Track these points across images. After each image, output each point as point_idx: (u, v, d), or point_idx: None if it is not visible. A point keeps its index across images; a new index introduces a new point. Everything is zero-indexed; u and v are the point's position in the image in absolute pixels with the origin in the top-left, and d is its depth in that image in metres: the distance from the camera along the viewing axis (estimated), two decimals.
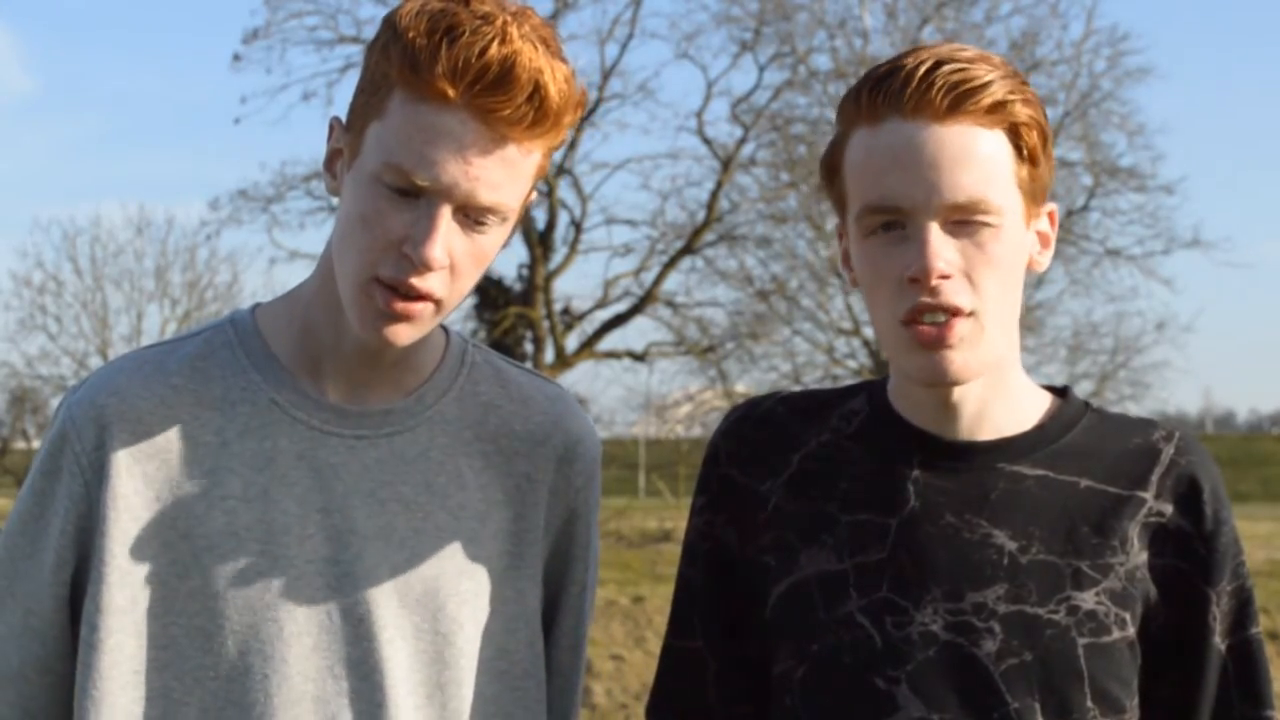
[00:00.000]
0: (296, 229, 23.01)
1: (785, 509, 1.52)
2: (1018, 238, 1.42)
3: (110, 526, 1.46)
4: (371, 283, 1.40)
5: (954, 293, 1.38)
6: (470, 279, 1.43)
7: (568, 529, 1.60)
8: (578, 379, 23.08)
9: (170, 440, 1.48)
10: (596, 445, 1.63)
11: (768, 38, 21.19)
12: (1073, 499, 1.46)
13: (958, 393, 1.45)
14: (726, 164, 21.37)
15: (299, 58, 54.33)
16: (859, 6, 20.77)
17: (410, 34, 1.36)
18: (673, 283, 22.37)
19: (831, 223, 20.91)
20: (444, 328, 1.61)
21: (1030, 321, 21.15)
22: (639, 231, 28.51)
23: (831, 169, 1.47)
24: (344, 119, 1.45)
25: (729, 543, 1.55)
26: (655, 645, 12.21)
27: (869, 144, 1.41)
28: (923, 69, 1.38)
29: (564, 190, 22.46)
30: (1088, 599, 1.42)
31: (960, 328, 1.39)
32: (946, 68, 1.38)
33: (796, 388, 22.39)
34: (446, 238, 1.39)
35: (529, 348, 22.57)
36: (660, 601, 13.46)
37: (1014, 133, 1.40)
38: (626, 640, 12.33)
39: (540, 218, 22.33)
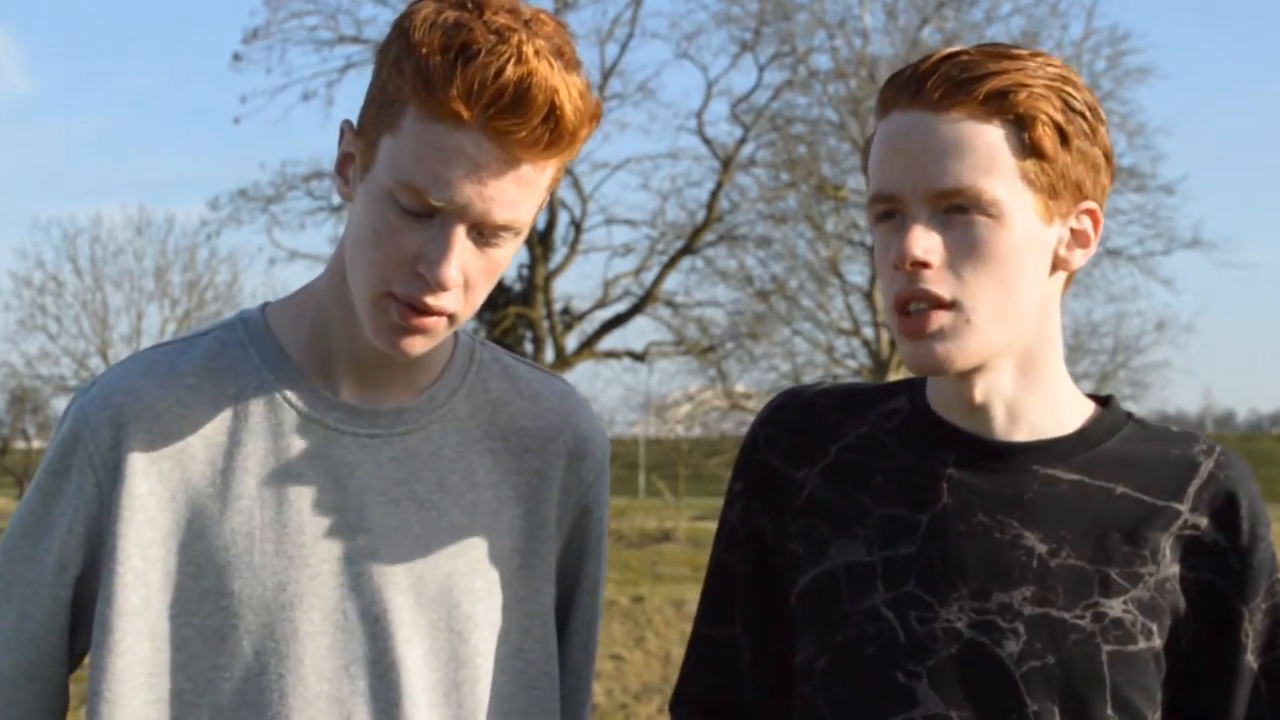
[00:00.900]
0: (296, 229, 23.05)
1: (819, 498, 1.51)
2: (1023, 232, 1.39)
3: (124, 527, 1.45)
4: (385, 297, 1.40)
5: (932, 282, 1.38)
6: (484, 292, 1.43)
7: (579, 525, 1.61)
8: (578, 379, 23.07)
9: (185, 440, 1.47)
10: (605, 441, 1.63)
11: (768, 38, 21.20)
12: (1107, 505, 1.44)
13: (980, 390, 1.44)
14: (726, 164, 21.37)
15: (299, 58, 54.32)
16: (859, 6, 20.77)
17: (424, 50, 1.34)
18: (673, 283, 22.38)
19: (832, 223, 20.94)
20: None
21: None
22: (639, 231, 28.53)
23: (866, 156, 1.48)
24: (354, 123, 1.44)
25: (764, 528, 1.55)
26: (655, 645, 12.21)
27: (880, 134, 1.43)
28: (932, 62, 1.39)
29: (564, 190, 22.47)
30: (1115, 606, 1.41)
31: (938, 319, 1.38)
32: (954, 61, 1.39)
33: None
34: (461, 257, 1.38)
35: (529, 348, 22.57)
36: (660, 601, 13.46)
37: (1017, 125, 1.38)
38: (626, 640, 12.33)
39: (540, 218, 22.29)
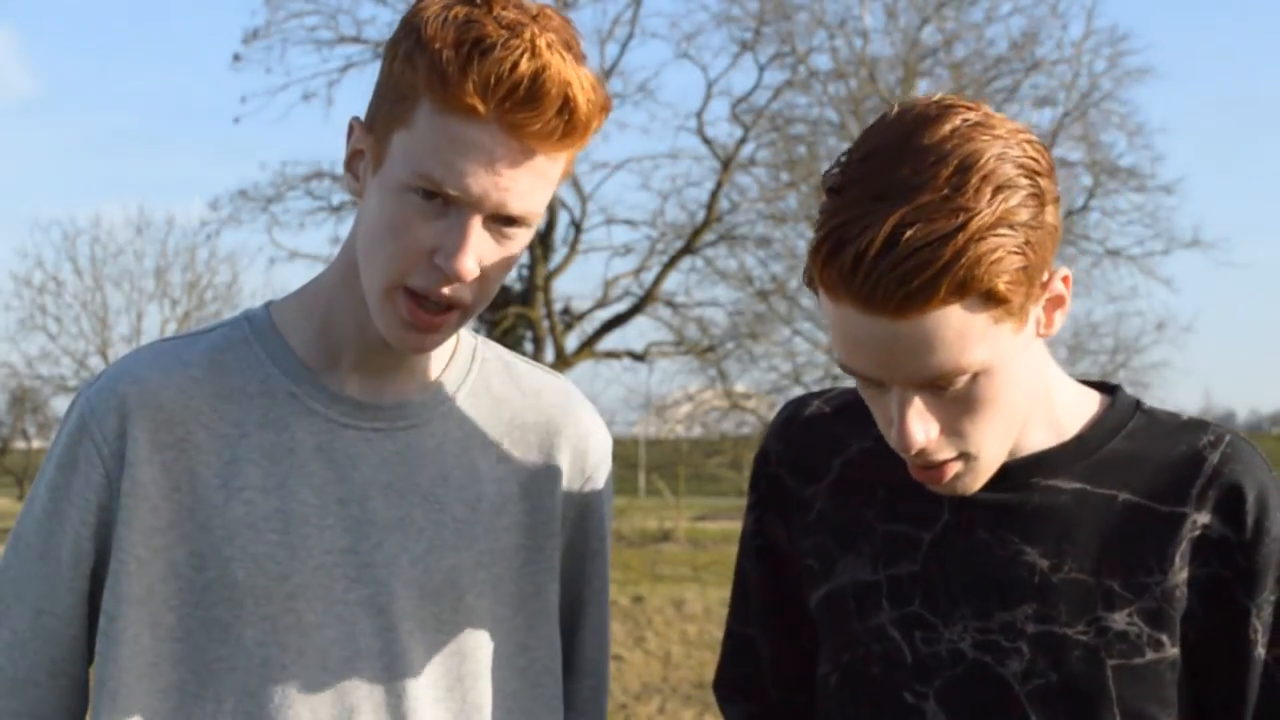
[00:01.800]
0: (296, 229, 23.05)
1: (827, 514, 1.52)
2: (1011, 356, 1.34)
3: (129, 515, 1.45)
4: (396, 290, 1.41)
5: (939, 451, 1.35)
6: (497, 283, 1.44)
7: (582, 523, 1.61)
8: (578, 379, 23.08)
9: (189, 431, 1.48)
10: (607, 438, 1.64)
11: (768, 38, 21.20)
12: (1109, 515, 1.42)
13: None
14: (726, 164, 21.37)
15: (299, 58, 54.35)
16: (859, 6, 20.77)
17: (437, 44, 1.36)
18: (673, 283, 22.38)
19: None
20: None
21: None
22: (639, 231, 28.54)
23: (815, 292, 1.36)
24: (364, 119, 1.45)
25: (779, 538, 1.57)
26: (655, 645, 12.21)
27: (832, 314, 1.32)
28: (874, 251, 1.24)
29: (564, 190, 22.45)
30: (1118, 620, 1.39)
31: (953, 467, 1.37)
32: (899, 249, 1.23)
33: (797, 388, 22.37)
34: (477, 248, 1.39)
35: (529, 348, 22.56)
36: (660, 601, 13.46)
37: (987, 295, 1.28)
38: (626, 640, 12.33)
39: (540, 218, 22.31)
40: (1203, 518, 1.41)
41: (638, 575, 15.93)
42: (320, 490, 1.48)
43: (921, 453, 1.35)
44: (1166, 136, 39.36)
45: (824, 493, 1.53)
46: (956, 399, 1.33)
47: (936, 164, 1.26)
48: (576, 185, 22.39)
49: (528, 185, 1.39)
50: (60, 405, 31.39)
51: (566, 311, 22.99)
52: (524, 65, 1.34)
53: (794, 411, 1.59)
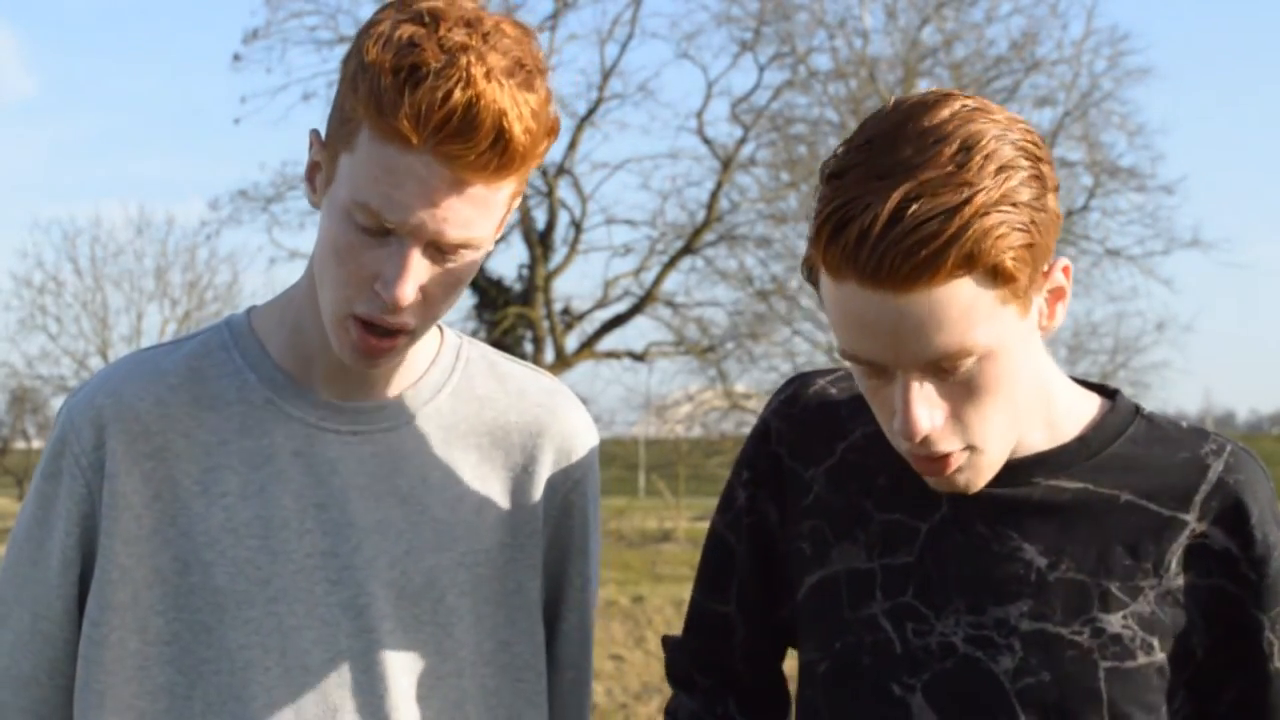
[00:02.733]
0: (296, 229, 23.03)
1: (825, 499, 1.49)
2: (1012, 343, 1.32)
3: (111, 525, 1.47)
4: (348, 318, 1.42)
5: (943, 440, 1.33)
6: (446, 304, 1.45)
7: (565, 522, 1.61)
8: (578, 379, 23.09)
9: (168, 439, 1.49)
10: (593, 438, 1.64)
11: (768, 38, 21.20)
12: (1111, 515, 1.40)
13: None
14: (726, 164, 21.38)
15: (299, 58, 54.34)
16: (859, 6, 20.77)
17: (375, 69, 1.35)
18: (673, 283, 22.42)
19: None
20: (438, 325, 1.62)
21: None
22: (639, 231, 28.53)
23: (813, 279, 1.36)
24: (320, 132, 1.46)
25: (771, 518, 1.54)
26: (655, 645, 12.20)
27: (835, 294, 1.30)
28: (879, 225, 1.23)
29: (564, 190, 22.49)
30: (1114, 622, 1.38)
31: (956, 459, 1.35)
32: (905, 222, 1.23)
33: None
34: (417, 275, 1.39)
35: (529, 348, 22.56)
36: (660, 601, 13.46)
37: (992, 271, 1.27)
38: (626, 640, 12.33)
39: (540, 218, 22.33)
40: (1202, 526, 1.39)
41: (638, 575, 15.92)
42: (299, 495, 1.49)
43: (925, 442, 1.33)
44: (1166, 136, 39.38)
45: (822, 476, 1.50)
46: (961, 385, 1.31)
47: (938, 143, 1.26)
48: (576, 185, 22.41)
49: (467, 214, 1.38)
50: (60, 405, 31.35)
51: (566, 311, 22.99)
52: (456, 96, 1.33)
53: (798, 389, 1.55)
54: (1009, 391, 1.33)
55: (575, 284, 77.87)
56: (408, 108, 1.33)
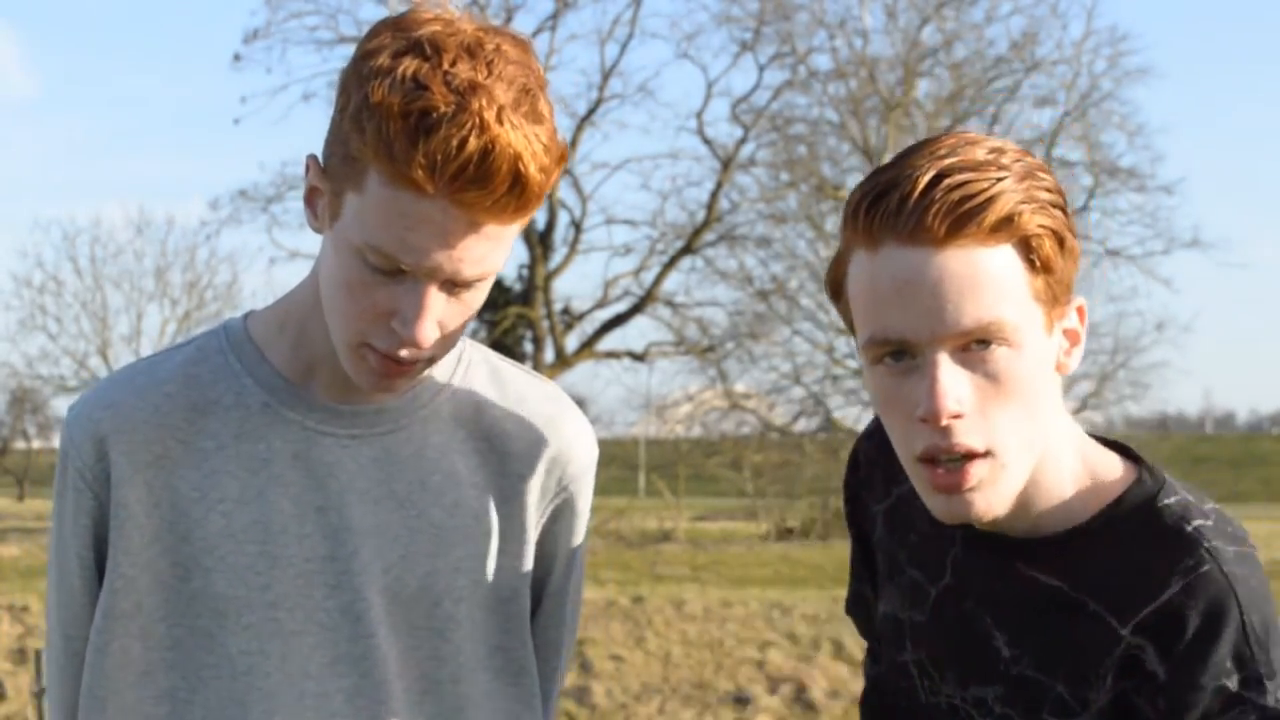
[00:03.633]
0: (296, 229, 23.06)
1: (882, 538, 1.54)
2: (1039, 352, 1.31)
3: (116, 536, 1.49)
4: (363, 347, 1.42)
5: (966, 433, 1.29)
6: (460, 332, 1.44)
7: (552, 526, 1.60)
8: (578, 379, 23.10)
9: (167, 447, 1.50)
10: (591, 446, 1.63)
11: (768, 38, 21.23)
12: (1075, 622, 1.36)
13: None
14: (726, 164, 21.39)
15: (299, 58, 54.37)
16: (859, 6, 20.79)
17: (383, 112, 1.32)
18: (673, 283, 22.45)
19: (832, 223, 20.91)
20: None
21: None
22: (639, 231, 28.56)
23: (835, 286, 1.36)
24: (320, 159, 1.43)
25: (864, 531, 1.60)
26: (655, 645, 12.21)
27: (869, 270, 1.30)
28: (921, 185, 1.26)
29: (564, 190, 22.47)
30: None
31: (976, 470, 1.30)
32: (946, 184, 1.26)
33: (797, 388, 22.32)
34: (434, 313, 1.39)
35: (529, 348, 22.57)
36: (660, 601, 13.46)
37: (1024, 245, 1.28)
38: (627, 640, 12.33)
39: (540, 218, 22.34)
40: (1136, 639, 1.32)
41: (638, 575, 15.92)
42: (298, 499, 1.49)
43: (948, 431, 1.28)
44: (1166, 136, 39.38)
45: (881, 515, 1.54)
46: (988, 379, 1.28)
47: (970, 146, 1.30)
48: (576, 185, 22.41)
49: (483, 252, 1.37)
50: (60, 405, 31.36)
51: (566, 311, 23.00)
52: (471, 144, 1.30)
53: (877, 423, 1.56)
54: (1030, 402, 1.31)
55: (575, 284, 77.96)
56: (422, 157, 1.31)
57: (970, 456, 1.29)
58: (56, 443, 1.60)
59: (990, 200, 1.26)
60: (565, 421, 1.60)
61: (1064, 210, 1.32)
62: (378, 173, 1.33)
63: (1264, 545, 16.92)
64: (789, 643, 12.10)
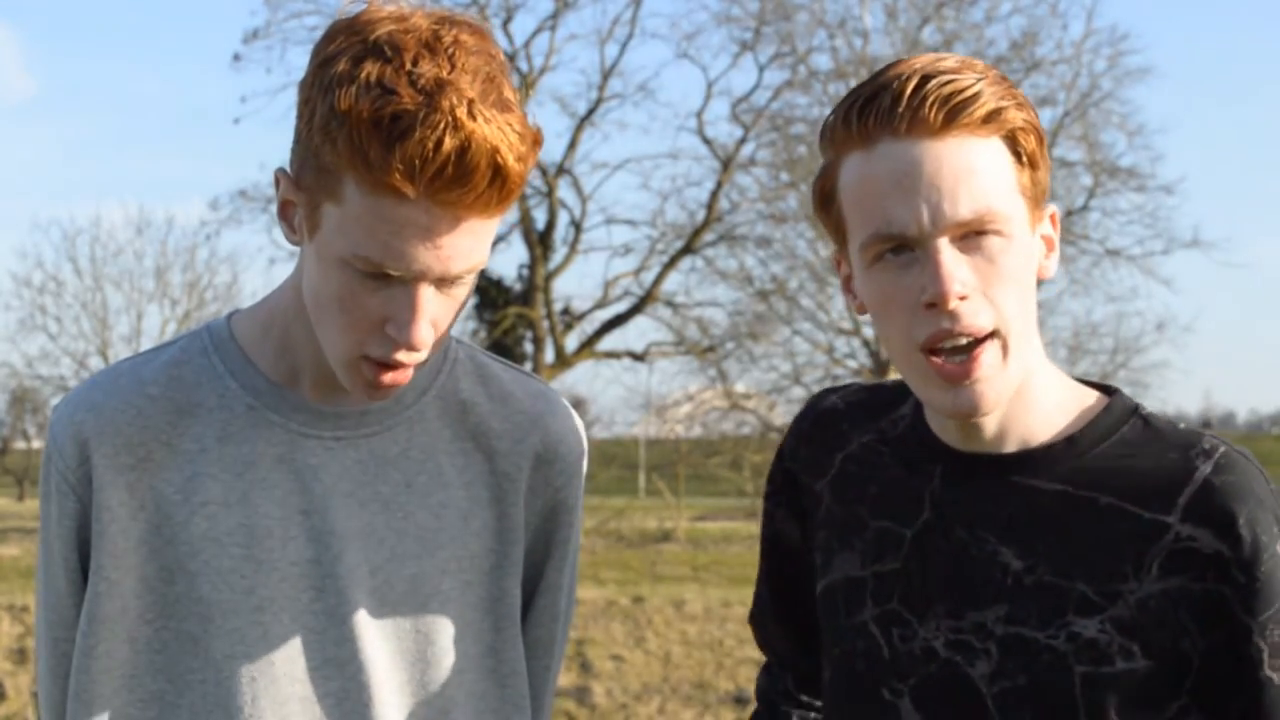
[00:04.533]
0: None
1: (831, 510, 1.53)
2: (1028, 246, 1.37)
3: (99, 539, 1.48)
4: (359, 360, 1.41)
5: (974, 314, 1.33)
6: (451, 326, 1.44)
7: (545, 526, 1.60)
8: (578, 379, 23.09)
9: (150, 449, 1.49)
10: (579, 444, 1.61)
11: (768, 38, 21.22)
12: (1088, 518, 1.38)
13: (993, 417, 1.41)
14: (726, 164, 21.38)
15: (299, 58, 54.21)
16: (859, 6, 20.78)
17: (353, 120, 1.30)
18: (673, 283, 22.41)
19: None
20: None
21: None
22: (639, 231, 28.56)
23: (825, 196, 1.40)
24: (289, 172, 1.41)
25: (789, 533, 1.59)
26: (655, 645, 12.21)
27: (865, 169, 1.35)
28: (911, 84, 1.33)
29: (564, 190, 22.50)
30: (1089, 626, 1.36)
31: (986, 357, 1.34)
32: (935, 80, 1.33)
33: (797, 388, 22.29)
34: (427, 313, 1.38)
35: (529, 348, 22.57)
36: (660, 601, 13.46)
37: (1011, 139, 1.35)
38: (626, 640, 12.33)
39: (540, 218, 22.34)
40: (1187, 529, 1.35)
41: (638, 575, 15.93)
42: (283, 502, 1.48)
43: (956, 314, 1.32)
44: (1166, 136, 39.38)
45: (828, 488, 1.53)
46: (986, 262, 1.33)
47: (942, 59, 1.37)
48: (576, 185, 22.41)
49: (469, 246, 1.36)
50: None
51: (566, 311, 22.99)
52: (448, 143, 1.29)
53: (813, 405, 1.60)
54: (1024, 289, 1.36)
55: (575, 284, 77.92)
56: (399, 162, 1.29)
57: (977, 342, 1.33)
58: None
59: (978, 94, 1.33)
60: (552, 419, 1.59)
61: (1037, 118, 1.39)
62: (355, 182, 1.32)
63: None
64: None
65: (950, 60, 1.36)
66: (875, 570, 1.46)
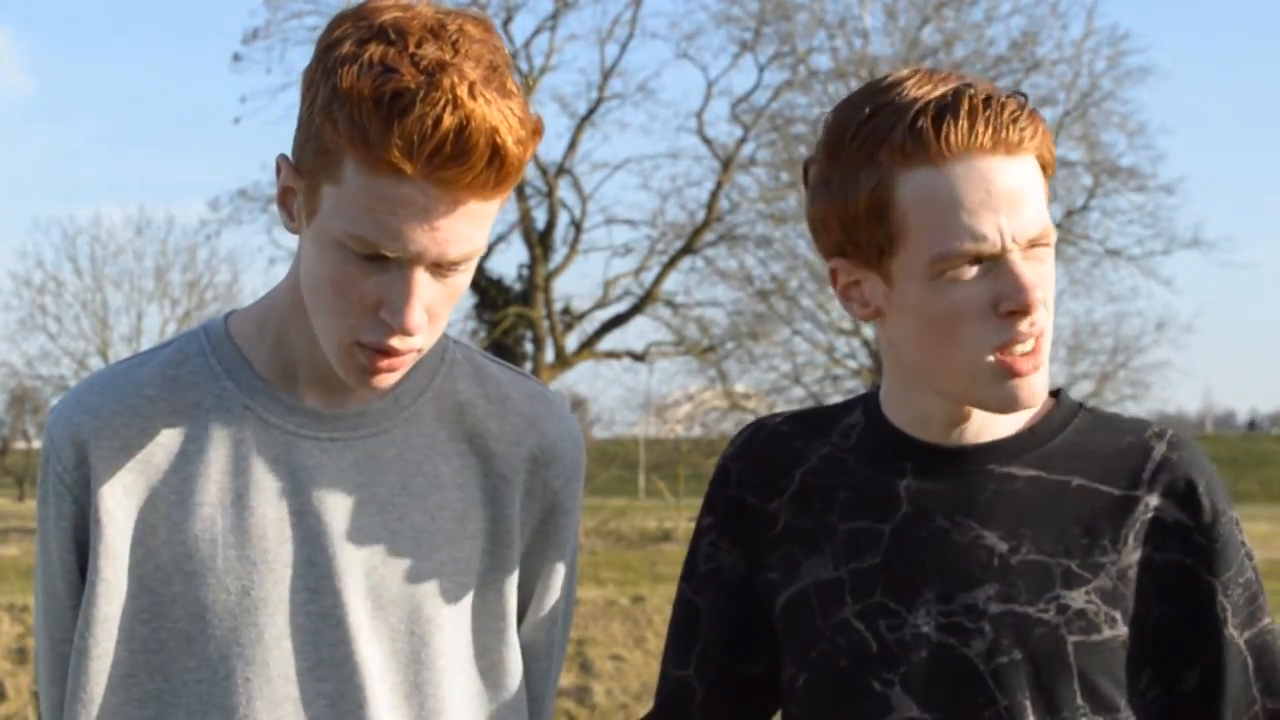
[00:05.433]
0: None
1: (792, 524, 1.55)
2: None
3: (97, 541, 1.48)
4: (353, 346, 1.41)
5: (1043, 317, 1.43)
6: (447, 316, 1.44)
7: (542, 529, 1.59)
8: (578, 379, 23.10)
9: (146, 451, 1.49)
10: (577, 447, 1.61)
11: (768, 38, 21.23)
12: (1064, 498, 1.47)
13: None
14: (726, 164, 21.39)
15: (299, 58, 54.21)
16: (859, 6, 20.79)
17: (354, 98, 1.31)
18: (673, 283, 22.42)
19: None
20: None
21: None
22: (639, 231, 28.55)
23: (878, 208, 1.42)
24: (290, 158, 1.41)
25: (734, 564, 1.59)
26: (655, 645, 12.21)
27: (941, 184, 1.39)
28: (981, 97, 1.41)
29: (564, 190, 22.49)
30: (1077, 598, 1.43)
31: (1041, 353, 1.44)
32: (998, 100, 1.42)
33: (797, 388, 22.31)
34: (423, 298, 1.38)
35: (529, 348, 22.57)
36: (660, 601, 13.46)
37: (1040, 158, 1.45)
38: (626, 640, 12.34)
39: (540, 218, 22.35)
40: (1154, 500, 1.46)
41: (638, 575, 15.94)
42: (278, 503, 1.48)
43: (1033, 320, 1.41)
44: (1166, 136, 39.40)
45: (786, 504, 1.56)
46: (1043, 271, 1.43)
47: (959, 77, 1.46)
48: (576, 185, 22.42)
49: (466, 231, 1.36)
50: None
51: (566, 311, 22.99)
52: (447, 120, 1.29)
53: (753, 431, 1.63)
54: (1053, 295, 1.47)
55: (575, 284, 77.97)
56: (398, 139, 1.29)
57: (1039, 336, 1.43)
58: None
59: (1031, 117, 1.43)
60: (550, 421, 1.58)
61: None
62: (354, 161, 1.32)
63: (1264, 545, 16.93)
64: None
65: (979, 81, 1.45)
66: (852, 568, 1.49)
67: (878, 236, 1.43)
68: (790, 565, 1.53)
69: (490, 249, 23.86)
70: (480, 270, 22.29)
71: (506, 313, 22.03)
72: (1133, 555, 1.45)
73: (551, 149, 21.92)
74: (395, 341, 1.39)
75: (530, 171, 21.32)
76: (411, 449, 1.53)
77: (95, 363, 25.04)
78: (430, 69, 1.30)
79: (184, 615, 1.47)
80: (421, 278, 1.37)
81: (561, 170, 21.96)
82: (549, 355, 22.04)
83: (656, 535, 21.80)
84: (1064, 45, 21.34)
